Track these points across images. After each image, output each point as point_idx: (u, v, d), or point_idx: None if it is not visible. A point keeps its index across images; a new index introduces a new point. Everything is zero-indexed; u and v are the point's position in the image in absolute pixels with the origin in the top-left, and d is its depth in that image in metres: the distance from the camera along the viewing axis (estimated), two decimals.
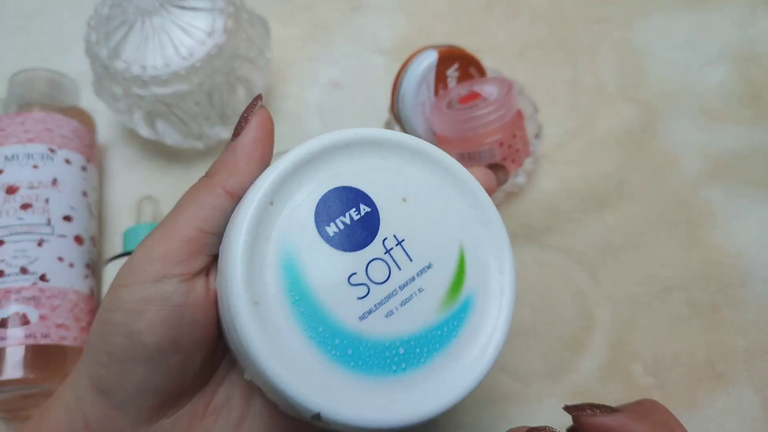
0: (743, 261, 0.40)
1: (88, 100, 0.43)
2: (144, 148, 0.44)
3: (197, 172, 0.43)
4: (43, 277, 0.34)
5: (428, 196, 0.23)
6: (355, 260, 0.21)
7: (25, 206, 0.35)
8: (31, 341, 0.33)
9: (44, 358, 0.33)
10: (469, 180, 0.23)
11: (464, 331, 0.22)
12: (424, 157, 0.23)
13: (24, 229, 0.35)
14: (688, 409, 0.36)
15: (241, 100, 0.41)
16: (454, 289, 0.22)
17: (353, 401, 0.20)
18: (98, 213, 0.40)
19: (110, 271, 0.37)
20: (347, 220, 0.21)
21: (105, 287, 0.37)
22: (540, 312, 0.39)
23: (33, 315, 0.33)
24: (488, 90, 0.38)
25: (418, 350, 0.21)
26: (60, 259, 0.35)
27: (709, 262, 0.40)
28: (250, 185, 0.22)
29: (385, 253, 0.22)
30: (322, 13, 0.50)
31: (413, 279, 0.22)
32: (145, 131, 0.41)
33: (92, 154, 0.40)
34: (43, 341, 0.33)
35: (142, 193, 0.42)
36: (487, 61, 0.43)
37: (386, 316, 0.21)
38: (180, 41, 0.37)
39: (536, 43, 0.49)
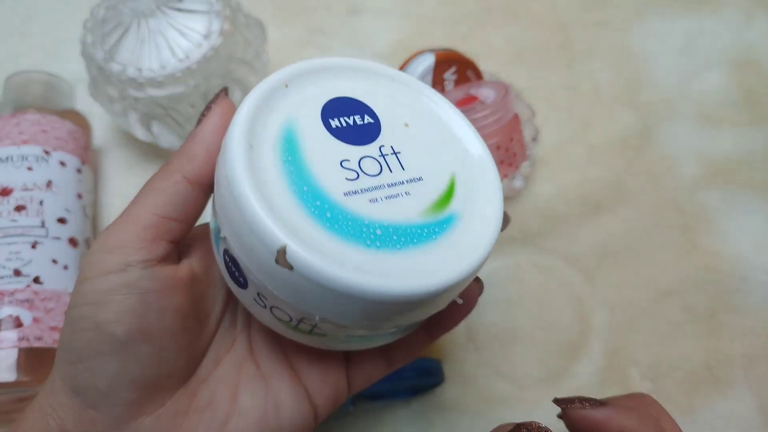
0: (741, 266, 0.40)
1: (84, 102, 0.43)
2: (140, 151, 0.44)
3: None
4: (37, 280, 0.34)
5: (428, 129, 0.24)
6: (350, 151, 0.22)
7: (19, 208, 0.35)
8: (24, 344, 0.33)
9: (38, 360, 0.33)
10: (465, 122, 0.25)
11: (443, 239, 0.22)
12: (432, 98, 0.25)
13: (18, 231, 0.35)
14: (685, 414, 0.36)
15: (237, 102, 0.41)
16: (440, 204, 0.22)
17: (321, 250, 0.19)
18: (93, 215, 0.40)
19: None
20: (350, 122, 0.23)
21: None
22: (537, 316, 0.39)
23: (26, 318, 0.33)
24: (485, 93, 0.38)
25: (395, 237, 0.21)
26: (54, 261, 0.35)
27: (707, 267, 0.40)
28: (208, 171, 0.22)
29: (380, 156, 0.22)
30: (319, 16, 0.50)
31: (402, 183, 0.22)
32: (140, 133, 0.41)
33: (87, 156, 0.40)
34: (36, 344, 0.33)
35: None
36: (484, 65, 0.43)
37: (370, 201, 0.21)
38: (176, 43, 0.37)
39: (533, 48, 0.49)
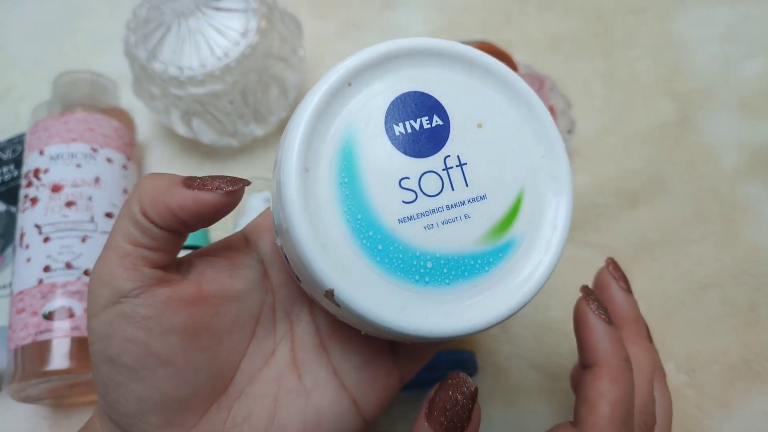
0: None
1: (128, 100, 0.45)
2: (181, 146, 0.46)
3: (232, 169, 0.45)
4: (87, 272, 0.36)
5: (504, 130, 0.22)
6: (411, 165, 0.21)
7: (69, 204, 0.37)
8: (76, 333, 0.34)
9: (88, 349, 0.35)
10: (551, 128, 0.22)
11: (496, 271, 0.21)
12: (513, 90, 0.23)
13: (68, 226, 0.36)
14: (722, 409, 0.36)
15: (274, 98, 0.42)
16: (500, 227, 0.21)
17: (370, 293, 0.19)
18: None
19: None
20: (416, 126, 0.21)
21: None
22: (571, 309, 0.39)
23: (78, 308, 0.35)
24: None
25: (445, 270, 0.20)
26: None
27: (747, 259, 0.40)
28: (159, 212, 0.21)
29: (444, 170, 0.21)
30: (354, 9, 0.51)
31: (463, 204, 0.21)
32: (182, 130, 0.42)
33: (132, 152, 0.42)
34: (87, 333, 0.35)
35: None
36: (519, 56, 0.43)
37: (425, 228, 0.20)
38: (215, 42, 0.38)
39: (569, 37, 0.49)
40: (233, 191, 0.22)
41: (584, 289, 0.27)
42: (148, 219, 0.21)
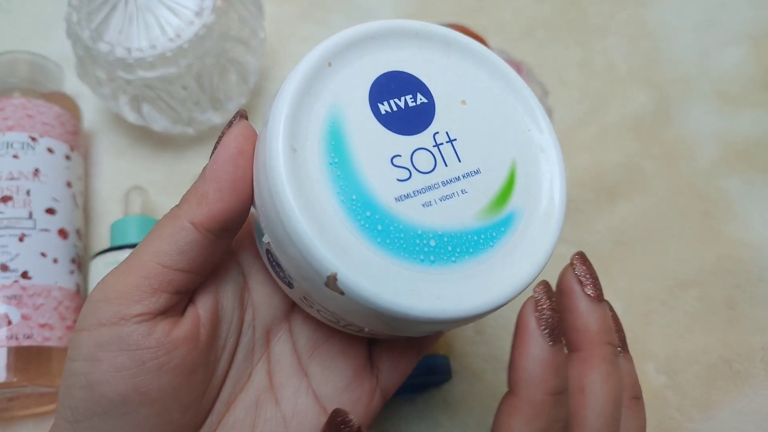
0: (762, 254, 0.38)
1: (72, 85, 0.41)
2: (132, 135, 0.42)
3: (188, 159, 0.42)
4: (25, 275, 0.32)
5: (488, 105, 0.22)
6: (402, 143, 0.20)
7: (5, 199, 0.33)
8: (13, 343, 0.31)
9: (27, 359, 0.32)
10: (533, 100, 0.22)
11: (501, 245, 0.20)
12: (491, 66, 0.22)
13: (4, 224, 0.33)
14: (703, 410, 0.35)
15: (233, 83, 0.39)
16: (499, 200, 0.21)
17: (373, 274, 0.18)
18: (84, 204, 0.38)
19: (97, 266, 0.35)
20: (401, 104, 0.21)
21: (92, 283, 0.35)
22: None
23: (15, 315, 0.32)
24: None
25: (450, 248, 0.19)
26: (43, 254, 0.33)
27: (726, 256, 0.39)
28: (221, 214, 0.20)
29: (434, 146, 0.20)
30: None
31: (458, 179, 0.20)
32: (131, 117, 0.39)
33: (77, 141, 0.38)
34: (26, 342, 0.32)
35: (130, 182, 0.40)
36: (493, 41, 0.41)
37: (424, 205, 0.20)
38: (167, 21, 0.35)
39: (544, 22, 0.47)
40: (224, 133, 0.20)
41: (538, 288, 0.21)
42: (207, 229, 0.20)
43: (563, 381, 0.21)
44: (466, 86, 0.22)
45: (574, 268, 0.23)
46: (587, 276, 0.23)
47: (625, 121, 0.43)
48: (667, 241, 0.39)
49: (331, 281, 0.18)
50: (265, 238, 0.20)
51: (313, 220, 0.18)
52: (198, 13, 0.35)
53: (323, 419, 0.22)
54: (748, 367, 0.35)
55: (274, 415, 0.22)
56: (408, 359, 0.24)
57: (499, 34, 0.46)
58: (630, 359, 0.24)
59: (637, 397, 0.23)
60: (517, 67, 0.36)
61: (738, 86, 0.44)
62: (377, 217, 0.19)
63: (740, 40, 0.46)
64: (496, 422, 0.21)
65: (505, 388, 0.35)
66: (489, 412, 0.35)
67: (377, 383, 0.23)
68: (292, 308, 0.24)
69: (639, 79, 0.45)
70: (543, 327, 0.20)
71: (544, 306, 0.21)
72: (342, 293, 0.18)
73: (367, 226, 0.19)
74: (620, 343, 0.24)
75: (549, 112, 0.40)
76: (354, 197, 0.19)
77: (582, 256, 0.24)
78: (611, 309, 0.24)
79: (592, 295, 0.23)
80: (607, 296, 0.37)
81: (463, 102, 0.22)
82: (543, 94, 0.40)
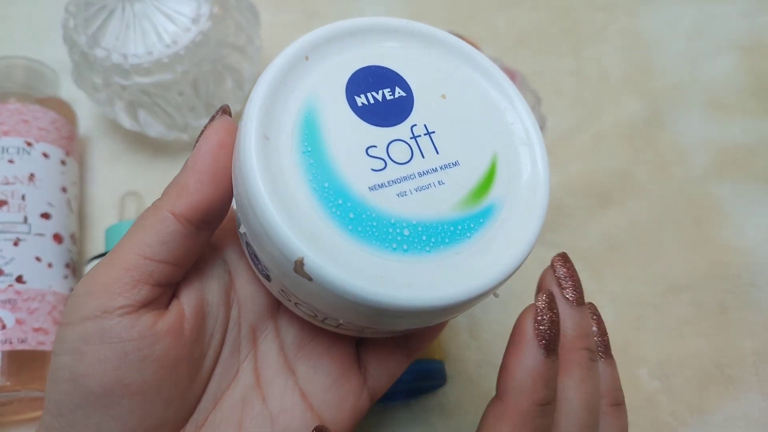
0: (753, 260, 0.39)
1: (68, 90, 0.41)
2: (127, 141, 0.42)
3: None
4: (19, 279, 0.32)
5: (469, 100, 0.21)
6: (377, 134, 0.20)
7: (0, 203, 0.33)
8: (7, 347, 0.31)
9: (21, 364, 0.31)
10: (515, 95, 0.22)
11: (479, 236, 0.19)
12: (473, 62, 0.22)
13: None
14: (695, 414, 0.35)
15: (229, 90, 0.39)
16: (478, 192, 0.20)
17: (342, 260, 0.18)
18: (79, 209, 0.39)
19: None
20: (379, 97, 0.20)
21: None
22: None
23: (9, 319, 0.32)
24: None
25: (424, 237, 0.19)
26: (38, 259, 0.33)
27: (718, 261, 0.39)
28: (202, 204, 0.20)
29: (411, 138, 0.20)
30: None
31: (435, 170, 0.20)
32: (127, 123, 0.39)
33: (72, 147, 0.38)
34: (20, 347, 0.31)
35: (125, 187, 0.40)
36: (487, 50, 0.41)
37: (398, 195, 0.19)
38: (163, 28, 0.35)
39: (537, 32, 0.48)
40: (206, 126, 0.20)
41: (541, 297, 0.21)
42: (188, 220, 0.20)
43: (552, 392, 0.20)
44: (447, 81, 0.21)
45: (554, 270, 0.23)
46: (567, 279, 0.23)
47: (617, 129, 0.43)
48: (660, 246, 0.39)
49: (299, 266, 0.17)
50: (242, 228, 0.20)
51: (282, 205, 0.18)
52: (195, 20, 0.35)
53: (309, 416, 0.22)
54: (740, 372, 0.36)
55: (261, 412, 0.22)
56: (397, 360, 0.24)
57: (493, 42, 0.46)
58: (612, 364, 0.23)
59: (618, 404, 0.23)
60: (512, 75, 0.37)
61: (729, 94, 0.45)
62: (349, 205, 0.18)
63: (731, 48, 0.47)
64: (482, 425, 0.21)
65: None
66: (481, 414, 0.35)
67: (365, 383, 0.23)
68: (278, 307, 0.24)
69: (631, 88, 0.45)
70: (540, 338, 0.20)
71: (545, 317, 0.21)
72: (310, 279, 0.18)
73: (338, 213, 0.18)
74: (602, 348, 0.23)
75: (542, 120, 0.40)
76: (326, 185, 0.19)
77: (563, 258, 0.23)
78: (595, 312, 0.24)
79: (570, 298, 0.22)
80: (599, 301, 0.38)
81: (444, 96, 0.21)
82: (536, 103, 0.40)
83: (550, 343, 0.20)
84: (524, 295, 0.38)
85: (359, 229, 0.18)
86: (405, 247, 0.18)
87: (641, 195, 0.41)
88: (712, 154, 0.42)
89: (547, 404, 0.20)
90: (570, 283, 0.23)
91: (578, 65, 0.46)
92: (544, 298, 0.21)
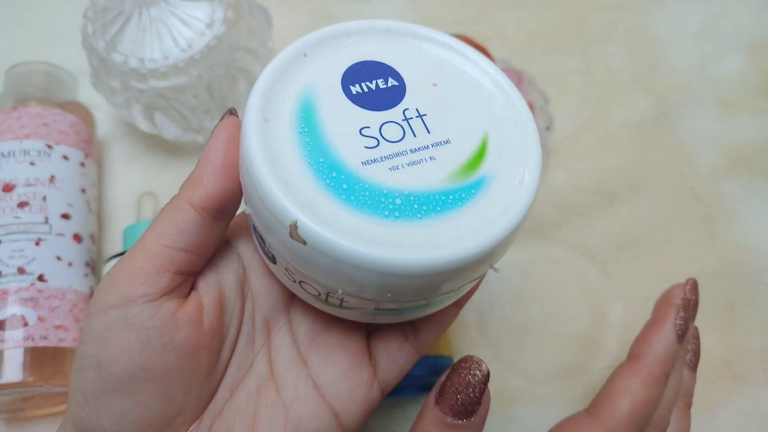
0: (761, 257, 0.39)
1: (87, 94, 0.42)
2: (144, 143, 0.43)
3: None
4: (41, 278, 0.33)
5: (460, 87, 0.23)
6: (371, 117, 0.21)
7: (22, 204, 0.35)
8: (29, 343, 0.32)
9: (43, 360, 0.32)
10: (505, 82, 0.23)
11: (471, 205, 0.20)
12: (464, 56, 0.24)
13: (21, 228, 0.34)
14: (703, 410, 0.35)
15: (242, 92, 0.40)
16: (469, 167, 0.21)
17: (335, 225, 0.18)
18: (97, 210, 0.40)
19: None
20: (372, 86, 0.22)
21: None
22: (550, 310, 0.38)
23: (31, 317, 0.33)
24: None
25: (416, 206, 0.20)
26: (58, 258, 0.34)
27: (726, 258, 0.39)
28: (217, 195, 0.21)
29: (404, 120, 0.21)
30: (325, 1, 0.49)
31: (427, 147, 0.21)
32: (144, 125, 0.40)
33: (91, 149, 0.39)
34: (41, 343, 0.32)
35: (142, 188, 0.41)
36: (495, 51, 0.42)
37: (390, 169, 0.20)
38: (179, 33, 0.36)
39: (546, 32, 0.48)
40: (217, 125, 0.22)
41: (691, 294, 0.29)
42: (205, 210, 0.21)
43: (671, 369, 0.27)
44: (438, 72, 0.23)
45: (689, 291, 0.29)
46: (686, 309, 0.29)
47: (625, 127, 0.44)
48: (668, 244, 0.40)
49: (293, 229, 0.18)
50: (247, 209, 0.21)
51: (278, 176, 0.19)
52: (209, 25, 0.36)
53: (322, 405, 0.23)
54: (747, 368, 0.36)
55: (275, 401, 0.23)
56: (406, 354, 0.25)
57: (501, 43, 0.47)
58: (694, 377, 0.30)
59: (689, 406, 0.29)
60: (518, 77, 0.37)
61: (737, 92, 0.45)
62: (343, 177, 0.19)
63: (739, 47, 0.47)
64: (613, 379, 0.27)
65: (507, 389, 0.36)
66: (492, 412, 0.35)
67: (375, 374, 0.24)
68: (291, 301, 0.25)
69: (639, 86, 0.46)
70: (677, 329, 0.27)
71: (683, 314, 0.28)
72: (304, 242, 0.18)
73: (332, 184, 0.19)
74: (693, 361, 0.30)
75: (550, 119, 0.40)
76: (321, 160, 0.20)
77: (693, 287, 0.30)
78: (696, 335, 0.30)
79: (677, 327, 0.28)
80: (607, 298, 0.38)
81: (435, 84, 0.22)
82: (544, 103, 0.40)
83: (683, 335, 0.27)
84: (532, 292, 0.39)
85: (352, 198, 0.19)
86: (397, 214, 0.19)
87: (649, 193, 0.41)
88: (721, 152, 0.43)
89: (667, 376, 0.26)
90: (683, 316, 0.28)
91: (586, 64, 0.46)
92: (687, 300, 0.28)
